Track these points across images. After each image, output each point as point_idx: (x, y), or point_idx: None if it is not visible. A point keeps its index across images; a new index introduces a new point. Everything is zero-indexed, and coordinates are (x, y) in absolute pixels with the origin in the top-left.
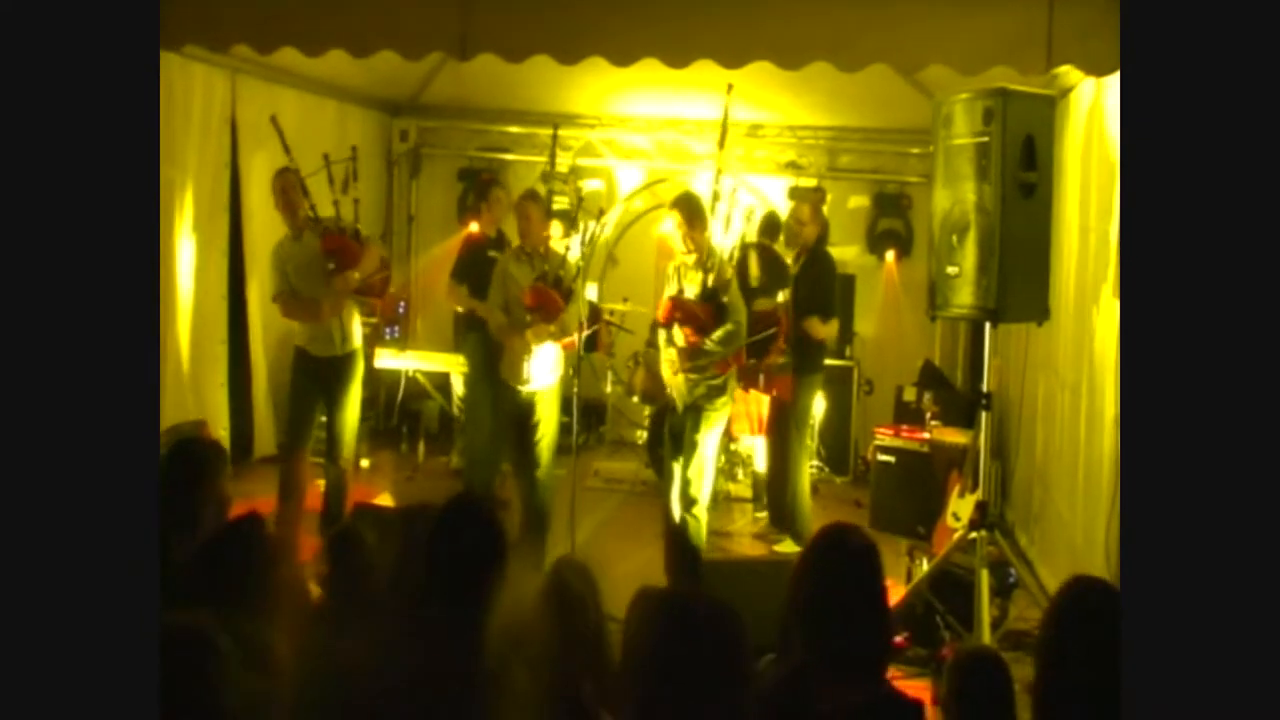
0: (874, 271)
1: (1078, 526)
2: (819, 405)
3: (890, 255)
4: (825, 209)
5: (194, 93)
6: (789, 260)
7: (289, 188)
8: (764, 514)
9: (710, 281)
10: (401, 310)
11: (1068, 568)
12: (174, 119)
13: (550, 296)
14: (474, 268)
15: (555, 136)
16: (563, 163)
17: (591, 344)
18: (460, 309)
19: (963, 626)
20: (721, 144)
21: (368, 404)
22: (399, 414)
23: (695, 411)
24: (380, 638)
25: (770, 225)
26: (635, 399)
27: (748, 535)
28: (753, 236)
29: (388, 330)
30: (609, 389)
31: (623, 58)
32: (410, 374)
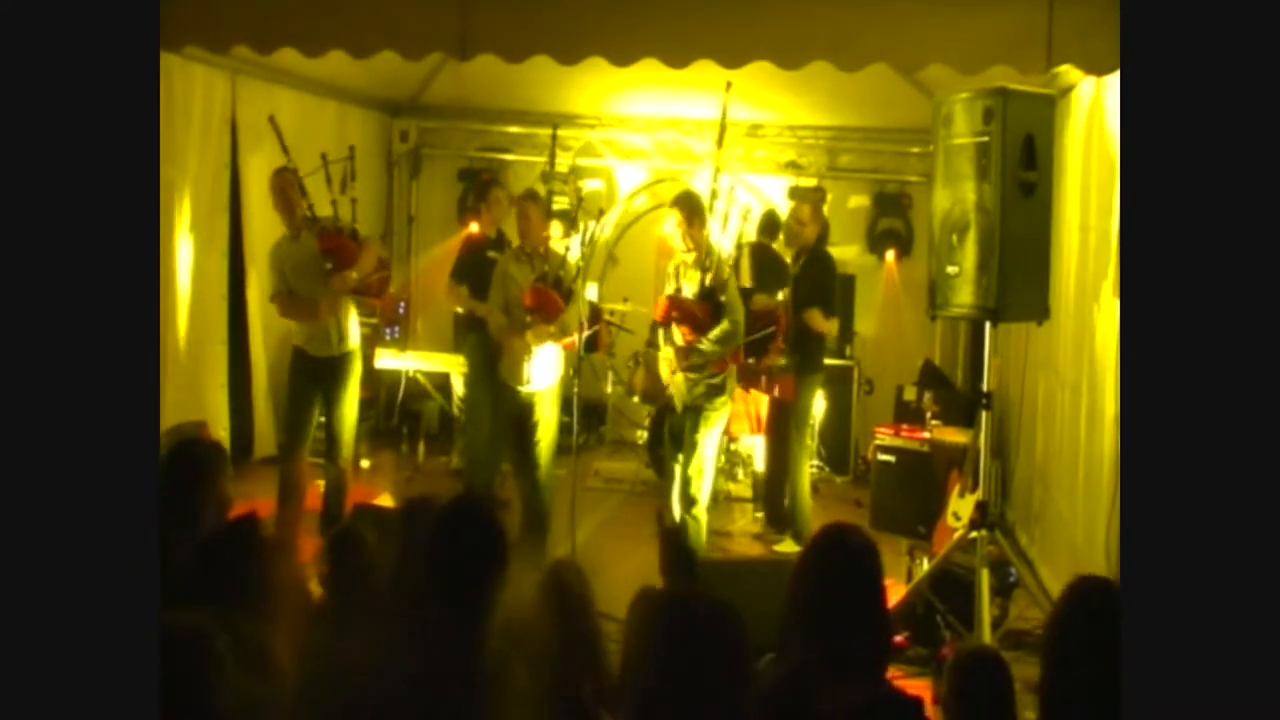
0: (874, 271)
1: (1078, 525)
2: (819, 405)
3: (890, 255)
4: (825, 209)
5: (194, 93)
6: (788, 260)
7: (287, 187)
8: (763, 514)
9: (708, 281)
10: (402, 311)
11: (1068, 567)
12: (174, 120)
13: (550, 297)
14: (474, 268)
15: (555, 136)
16: (563, 163)
17: (592, 344)
18: (460, 309)
19: (963, 626)
20: (720, 142)
21: (368, 404)
22: (399, 414)
23: (694, 411)
24: (381, 638)
25: (769, 224)
26: (635, 399)
27: (748, 535)
28: (750, 235)
29: (388, 330)
30: (609, 389)
31: (623, 58)
32: (410, 374)
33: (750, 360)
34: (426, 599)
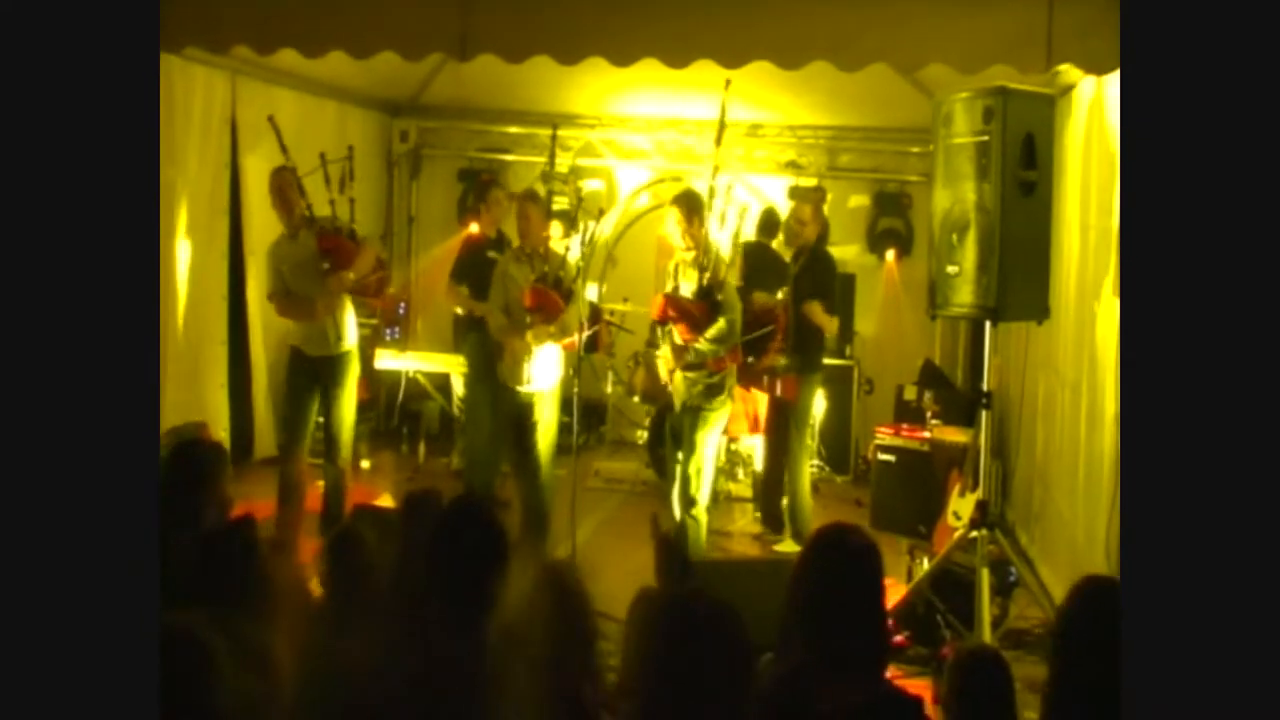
0: (874, 271)
1: (1078, 525)
2: (819, 405)
3: (890, 254)
4: (825, 208)
5: (194, 94)
6: (787, 259)
7: (285, 187)
8: (760, 513)
9: (705, 279)
10: (402, 311)
11: (1068, 566)
12: (174, 120)
13: (550, 297)
14: (474, 268)
15: (555, 136)
16: (563, 163)
17: (592, 344)
18: (460, 310)
19: (963, 625)
20: (719, 140)
21: (368, 405)
22: (399, 415)
23: (693, 411)
24: (381, 638)
25: (768, 222)
26: (636, 399)
27: (747, 535)
28: (748, 234)
29: (388, 331)
30: (609, 389)
31: (623, 58)
32: (410, 375)
33: (750, 359)
34: (427, 599)
